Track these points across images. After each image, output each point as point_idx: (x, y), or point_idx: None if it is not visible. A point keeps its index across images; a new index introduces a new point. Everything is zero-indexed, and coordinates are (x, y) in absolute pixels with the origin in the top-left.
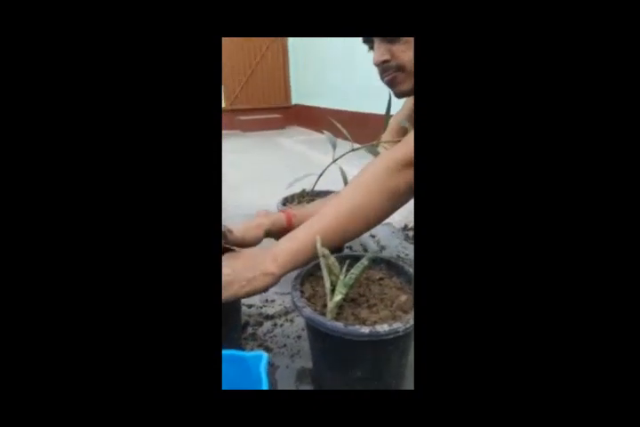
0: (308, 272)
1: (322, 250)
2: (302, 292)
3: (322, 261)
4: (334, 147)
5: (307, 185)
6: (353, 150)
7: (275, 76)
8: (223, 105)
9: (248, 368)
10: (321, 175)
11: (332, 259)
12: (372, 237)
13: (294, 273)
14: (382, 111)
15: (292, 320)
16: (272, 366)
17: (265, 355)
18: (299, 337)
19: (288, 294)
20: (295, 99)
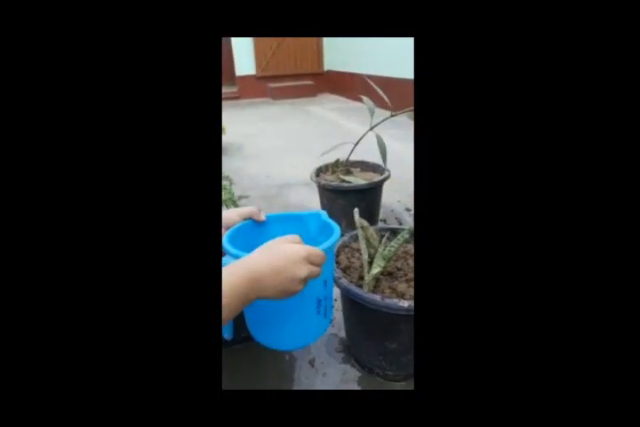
0: (343, 244)
1: (360, 221)
2: (338, 263)
3: (360, 233)
4: (372, 113)
5: (340, 154)
6: (392, 116)
7: (307, 41)
8: (254, 72)
9: (306, 225)
10: (357, 144)
11: (371, 230)
12: (408, 210)
13: None
14: None
15: None
16: None
17: (322, 212)
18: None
19: None
20: (327, 65)
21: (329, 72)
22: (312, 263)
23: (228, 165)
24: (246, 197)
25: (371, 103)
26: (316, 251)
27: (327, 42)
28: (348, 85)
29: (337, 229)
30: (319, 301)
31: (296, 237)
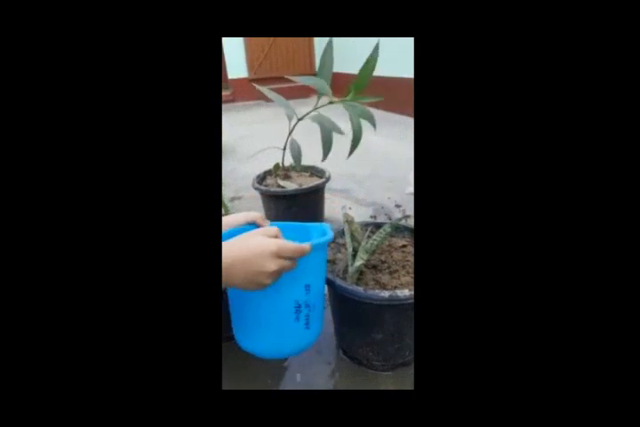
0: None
1: (345, 215)
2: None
3: (345, 227)
4: (290, 119)
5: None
6: (330, 103)
7: (299, 43)
8: (246, 75)
9: (310, 236)
10: (284, 149)
11: (356, 225)
12: (398, 206)
13: None
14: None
15: None
16: None
17: (325, 225)
18: None
19: None
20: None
21: None
22: (283, 257)
23: (225, 168)
24: (239, 198)
25: (289, 106)
26: (288, 245)
27: (318, 43)
28: (340, 86)
29: (330, 233)
30: (298, 306)
31: (273, 231)
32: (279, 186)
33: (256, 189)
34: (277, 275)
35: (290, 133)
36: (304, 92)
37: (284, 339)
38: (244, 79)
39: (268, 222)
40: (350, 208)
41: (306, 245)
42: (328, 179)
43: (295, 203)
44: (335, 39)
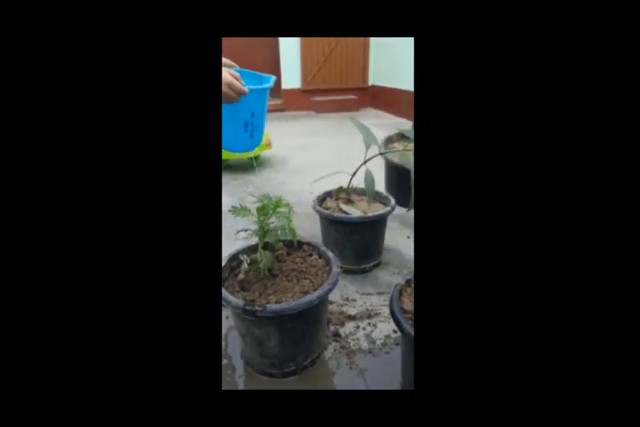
0: (407, 283)
1: None
2: (403, 309)
3: None
4: (368, 147)
5: (342, 181)
6: (380, 154)
7: (354, 55)
8: (299, 86)
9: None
10: (354, 175)
11: None
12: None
13: (383, 276)
14: None
15: (375, 325)
16: (357, 369)
17: (272, 77)
18: (384, 345)
19: (369, 294)
20: (372, 80)
21: (373, 87)
22: (231, 88)
23: (275, 180)
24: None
25: (366, 136)
26: (238, 84)
27: (374, 56)
28: (391, 100)
29: (270, 83)
30: (246, 124)
31: (236, 74)
32: (341, 210)
33: (317, 211)
34: (227, 97)
35: (364, 162)
36: (353, 105)
37: (239, 140)
38: (296, 90)
39: (236, 66)
40: (409, 237)
41: (245, 88)
42: (394, 208)
43: (357, 230)
44: (384, 54)
